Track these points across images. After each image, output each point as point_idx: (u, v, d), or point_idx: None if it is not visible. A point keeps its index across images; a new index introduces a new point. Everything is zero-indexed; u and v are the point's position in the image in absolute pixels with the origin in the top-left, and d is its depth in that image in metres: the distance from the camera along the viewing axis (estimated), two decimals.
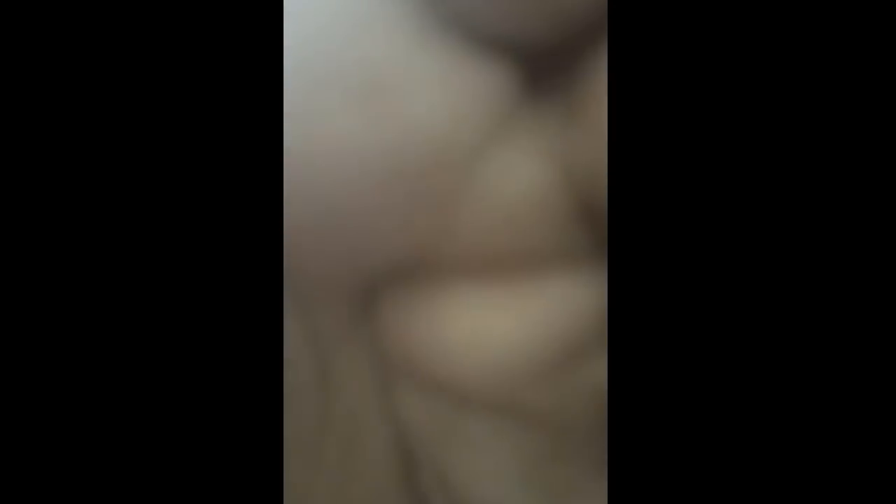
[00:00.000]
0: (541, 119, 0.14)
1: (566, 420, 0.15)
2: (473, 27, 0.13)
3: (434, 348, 0.15)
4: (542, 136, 0.14)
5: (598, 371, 0.15)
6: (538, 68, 0.14)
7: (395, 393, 0.16)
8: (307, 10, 0.13)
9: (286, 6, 0.13)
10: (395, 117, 0.13)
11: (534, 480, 0.16)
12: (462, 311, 0.15)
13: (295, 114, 0.13)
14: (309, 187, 0.13)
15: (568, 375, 0.15)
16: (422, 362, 0.15)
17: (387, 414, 0.16)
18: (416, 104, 0.13)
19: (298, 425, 0.15)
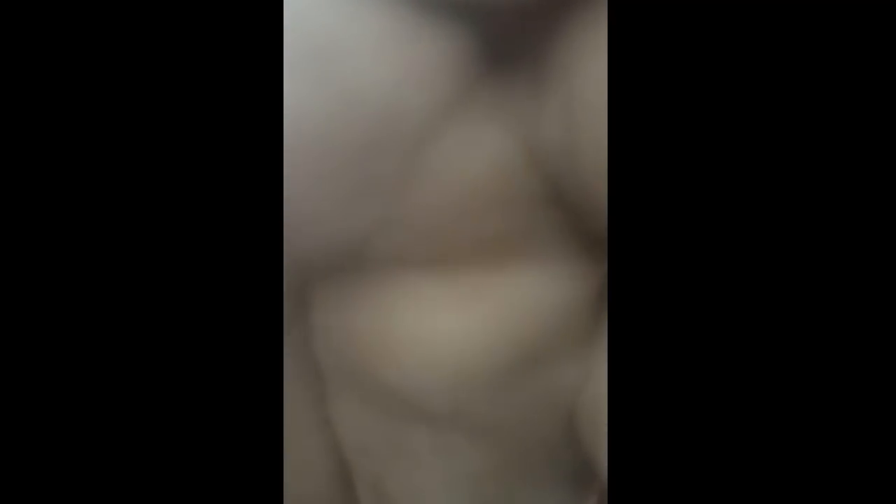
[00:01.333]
0: (504, 91, 0.13)
1: (524, 434, 0.14)
2: None
3: (374, 350, 0.13)
4: (506, 109, 0.13)
5: (563, 377, 0.14)
6: (502, 33, 0.12)
7: (331, 397, 0.14)
8: None
9: None
10: (337, 86, 0.11)
11: (484, 501, 0.14)
12: (407, 308, 0.13)
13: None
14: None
15: (528, 383, 0.13)
16: (360, 365, 0.13)
17: (321, 418, 0.14)
18: (361, 71, 0.11)
19: None
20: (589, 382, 0.14)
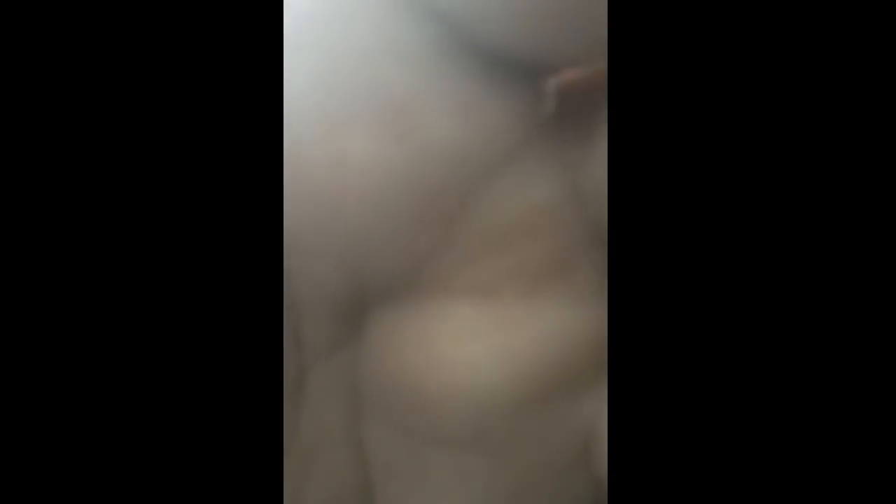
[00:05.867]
0: (555, 139, 0.14)
1: (542, 459, 0.14)
2: (491, 52, 0.13)
3: (410, 373, 0.14)
4: (556, 156, 0.14)
5: (583, 408, 0.14)
6: (551, 92, 0.13)
7: (365, 418, 0.15)
8: (320, 29, 0.13)
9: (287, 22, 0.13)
10: (408, 138, 0.13)
11: None
12: (447, 336, 0.14)
13: (300, 123, 0.13)
14: (311, 197, 0.13)
15: (551, 413, 0.14)
16: (398, 389, 0.14)
17: (351, 438, 0.15)
18: (430, 127, 0.13)
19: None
20: (605, 410, 0.14)
